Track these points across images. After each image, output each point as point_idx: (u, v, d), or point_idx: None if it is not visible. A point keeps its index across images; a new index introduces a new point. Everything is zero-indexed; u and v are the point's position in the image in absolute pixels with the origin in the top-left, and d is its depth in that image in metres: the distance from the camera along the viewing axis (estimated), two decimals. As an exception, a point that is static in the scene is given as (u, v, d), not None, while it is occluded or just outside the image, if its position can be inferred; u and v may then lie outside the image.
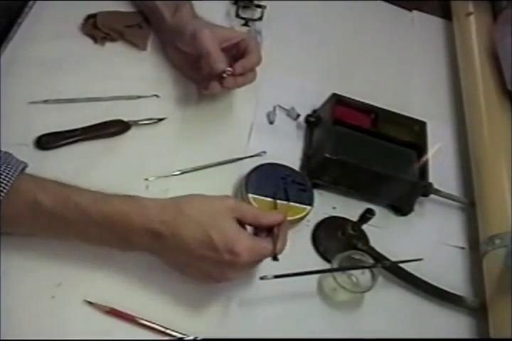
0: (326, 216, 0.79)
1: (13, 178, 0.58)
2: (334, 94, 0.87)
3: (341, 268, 0.71)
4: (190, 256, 0.61)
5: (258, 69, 0.80)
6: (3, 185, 0.57)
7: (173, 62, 0.85)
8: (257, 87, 0.86)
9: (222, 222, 0.61)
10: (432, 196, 0.83)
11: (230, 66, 0.75)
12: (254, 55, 0.77)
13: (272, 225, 0.65)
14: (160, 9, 0.82)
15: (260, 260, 0.64)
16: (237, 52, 0.78)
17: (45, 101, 0.76)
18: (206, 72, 0.76)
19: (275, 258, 0.63)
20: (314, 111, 0.89)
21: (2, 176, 0.57)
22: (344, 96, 0.87)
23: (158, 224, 0.60)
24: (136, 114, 0.78)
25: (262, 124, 0.86)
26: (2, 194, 0.57)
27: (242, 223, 0.64)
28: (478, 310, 0.76)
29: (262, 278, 0.65)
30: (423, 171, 0.82)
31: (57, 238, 0.64)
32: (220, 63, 0.74)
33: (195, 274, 0.65)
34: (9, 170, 0.58)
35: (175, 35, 0.80)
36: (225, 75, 0.75)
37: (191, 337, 0.64)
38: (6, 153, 0.61)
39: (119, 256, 0.67)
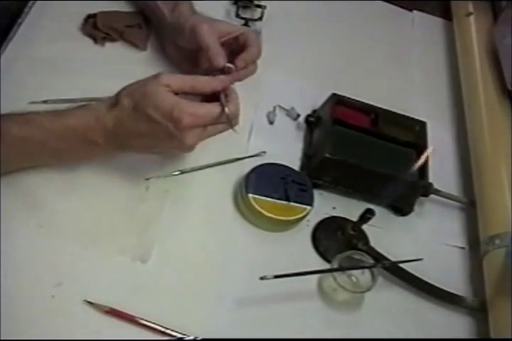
0: (326, 216, 0.79)
1: None
2: (334, 94, 0.87)
3: (341, 268, 0.71)
4: (143, 139, 0.65)
5: (258, 69, 0.80)
6: None
7: (172, 59, 0.85)
8: (257, 87, 0.86)
9: (156, 97, 0.63)
10: (432, 196, 0.83)
11: (231, 61, 0.75)
12: (254, 48, 0.77)
13: (214, 90, 0.67)
14: (159, 6, 0.82)
15: (209, 122, 0.65)
16: (237, 46, 0.78)
17: (45, 101, 0.75)
18: (206, 68, 0.76)
19: (231, 126, 0.65)
20: (314, 111, 0.89)
21: None
22: (344, 96, 0.87)
23: (110, 121, 0.64)
24: (136, 114, 0.78)
25: (261, 124, 0.86)
26: None
27: (184, 96, 0.66)
28: (478, 310, 0.76)
29: (262, 278, 0.65)
30: (423, 171, 0.82)
31: (32, 164, 0.68)
32: (220, 58, 0.73)
33: (161, 151, 0.72)
34: None
35: (174, 31, 0.80)
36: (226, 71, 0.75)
37: (191, 337, 0.64)
38: None
39: (119, 256, 0.67)
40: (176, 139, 0.64)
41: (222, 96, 0.66)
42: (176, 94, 0.64)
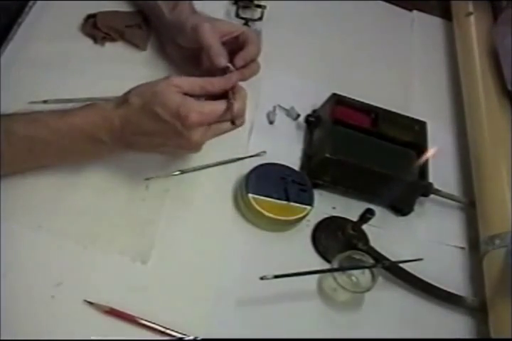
0: (326, 216, 0.79)
1: None
2: (334, 94, 0.87)
3: (341, 268, 0.71)
4: (150, 137, 0.66)
5: (258, 69, 0.80)
6: None
7: (173, 59, 0.85)
8: (257, 87, 0.86)
9: (164, 96, 0.64)
10: (432, 196, 0.83)
11: (231, 60, 0.75)
12: (253, 46, 0.77)
13: (223, 90, 0.67)
14: (159, 6, 0.82)
15: (215, 119, 0.66)
16: (237, 45, 0.78)
17: (45, 101, 0.75)
18: (207, 67, 0.76)
19: (233, 122, 0.66)
20: (314, 111, 0.89)
21: None
22: (344, 96, 0.87)
23: (117, 119, 0.64)
24: (136, 114, 0.78)
25: (261, 124, 0.86)
26: None
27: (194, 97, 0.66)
28: (478, 310, 0.76)
29: (262, 278, 0.65)
30: (423, 171, 0.82)
31: (37, 164, 0.68)
32: (221, 58, 0.73)
33: (167, 151, 0.71)
34: None
35: (175, 30, 0.80)
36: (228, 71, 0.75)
37: (191, 337, 0.64)
38: None
39: (119, 256, 0.67)
40: (183, 137, 0.65)
41: (230, 94, 0.67)
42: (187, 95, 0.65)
